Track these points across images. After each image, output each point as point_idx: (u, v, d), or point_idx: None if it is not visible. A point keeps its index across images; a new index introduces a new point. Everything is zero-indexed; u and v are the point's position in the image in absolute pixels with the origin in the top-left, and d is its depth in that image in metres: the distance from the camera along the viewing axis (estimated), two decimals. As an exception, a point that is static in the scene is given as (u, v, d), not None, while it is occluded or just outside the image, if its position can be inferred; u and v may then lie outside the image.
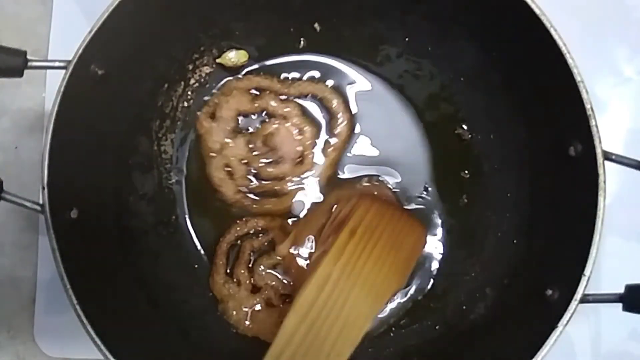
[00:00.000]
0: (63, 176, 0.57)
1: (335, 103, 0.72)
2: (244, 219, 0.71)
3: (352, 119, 0.72)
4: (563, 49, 0.57)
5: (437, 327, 0.69)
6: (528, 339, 0.55)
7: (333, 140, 0.72)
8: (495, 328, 0.65)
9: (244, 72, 0.73)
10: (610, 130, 0.73)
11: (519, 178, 0.68)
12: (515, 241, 0.67)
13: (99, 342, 0.54)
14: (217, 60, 0.72)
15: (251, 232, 0.71)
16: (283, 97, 0.72)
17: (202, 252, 0.71)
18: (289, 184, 0.71)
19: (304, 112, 0.72)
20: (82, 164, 0.61)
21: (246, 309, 0.69)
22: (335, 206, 0.69)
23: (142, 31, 0.62)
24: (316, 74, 0.73)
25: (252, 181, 0.71)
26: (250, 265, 0.70)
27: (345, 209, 0.67)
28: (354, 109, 0.72)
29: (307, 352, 0.59)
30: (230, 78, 0.73)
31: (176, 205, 0.72)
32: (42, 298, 0.73)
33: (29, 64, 0.56)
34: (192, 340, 0.67)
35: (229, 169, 0.71)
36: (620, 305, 0.54)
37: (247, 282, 0.70)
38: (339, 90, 0.72)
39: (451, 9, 0.66)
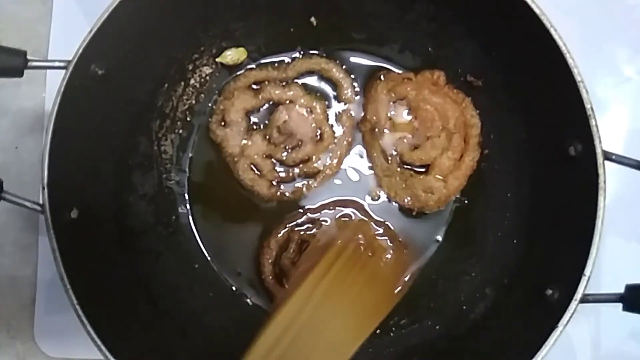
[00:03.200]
0: (63, 176, 0.57)
1: (334, 71, 0.72)
2: (264, 245, 0.70)
3: (353, 81, 0.72)
4: (563, 49, 0.57)
5: (437, 327, 0.69)
6: (528, 339, 0.56)
7: (344, 107, 0.72)
8: (495, 328, 0.65)
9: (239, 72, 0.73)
10: (610, 130, 0.73)
11: (519, 178, 0.68)
12: (515, 241, 0.67)
13: (99, 342, 0.54)
14: (217, 59, 0.72)
15: (278, 250, 0.70)
16: (283, 82, 0.72)
17: (205, 251, 0.71)
18: (316, 162, 0.71)
19: (309, 90, 0.72)
20: (82, 164, 0.61)
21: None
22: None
23: (142, 31, 0.62)
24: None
25: (280, 172, 0.72)
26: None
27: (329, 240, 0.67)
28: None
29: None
30: (228, 80, 0.73)
31: (176, 205, 0.72)
32: (42, 298, 0.73)
33: (29, 64, 0.56)
34: (192, 341, 0.67)
35: (255, 167, 0.71)
36: (620, 305, 0.54)
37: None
38: (334, 59, 0.73)
39: (451, 9, 0.67)
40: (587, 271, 0.54)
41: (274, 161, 0.72)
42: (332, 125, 0.72)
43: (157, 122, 0.71)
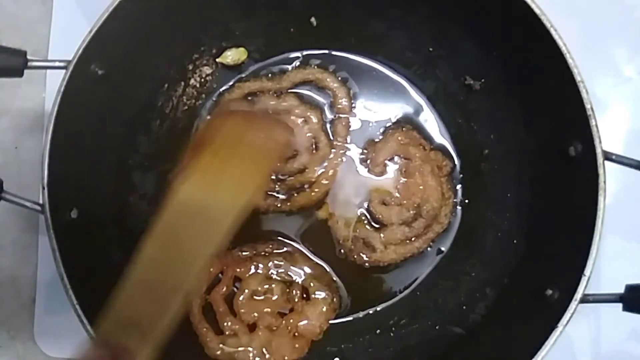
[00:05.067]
0: (63, 176, 0.57)
1: (328, 80, 0.72)
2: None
3: (349, 91, 0.72)
4: (563, 49, 0.57)
5: (437, 327, 0.69)
6: (528, 339, 0.56)
7: (340, 117, 0.72)
8: (495, 328, 0.65)
9: (231, 83, 0.73)
10: (610, 130, 0.73)
11: (519, 178, 0.68)
12: (515, 241, 0.67)
13: (99, 342, 0.54)
14: (217, 60, 0.72)
15: (209, 283, 0.69)
16: (278, 93, 0.72)
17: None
18: (312, 173, 0.71)
19: (303, 100, 0.72)
20: (82, 163, 0.61)
21: (256, 349, 0.66)
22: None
23: (142, 31, 0.62)
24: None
25: (277, 182, 0.71)
26: (231, 310, 0.68)
27: (209, 128, 0.62)
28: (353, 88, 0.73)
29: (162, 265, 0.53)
30: (222, 91, 0.72)
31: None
32: (42, 298, 0.73)
33: (29, 64, 0.56)
34: (192, 340, 0.67)
35: None
36: (620, 305, 0.54)
37: (239, 326, 0.67)
38: (328, 70, 0.73)
39: (451, 9, 0.66)
40: (587, 271, 0.54)
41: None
42: (328, 135, 0.72)
43: (157, 122, 0.71)
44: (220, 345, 0.66)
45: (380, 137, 0.72)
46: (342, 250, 0.70)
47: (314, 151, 0.72)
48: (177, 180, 0.56)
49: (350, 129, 0.72)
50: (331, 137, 0.72)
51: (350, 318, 0.70)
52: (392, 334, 0.70)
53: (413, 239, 0.70)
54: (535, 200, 0.66)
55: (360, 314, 0.70)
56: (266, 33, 0.72)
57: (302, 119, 0.71)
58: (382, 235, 0.70)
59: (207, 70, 0.73)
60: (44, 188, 0.55)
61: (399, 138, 0.71)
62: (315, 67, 0.73)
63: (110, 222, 0.66)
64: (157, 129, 0.71)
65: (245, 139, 0.59)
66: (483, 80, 0.69)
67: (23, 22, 0.77)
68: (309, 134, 0.71)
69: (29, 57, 0.56)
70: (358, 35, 0.72)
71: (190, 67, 0.72)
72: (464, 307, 0.69)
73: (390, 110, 0.73)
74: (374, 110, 0.73)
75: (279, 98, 0.72)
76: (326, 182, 0.71)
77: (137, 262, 0.53)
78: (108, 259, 0.63)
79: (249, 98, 0.72)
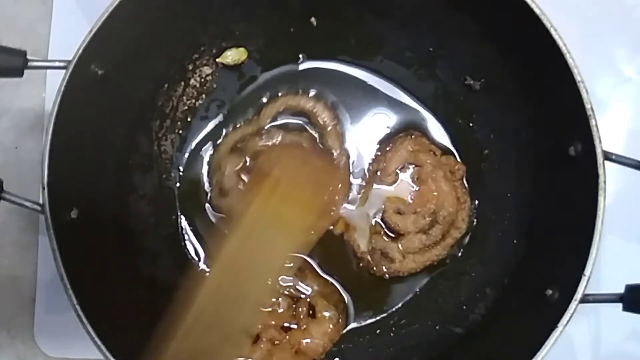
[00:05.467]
0: (63, 176, 0.57)
1: (302, 103, 0.71)
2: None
3: (326, 104, 0.71)
4: (563, 49, 0.57)
5: (437, 327, 0.69)
6: (528, 339, 0.55)
7: (326, 132, 0.71)
8: (495, 328, 0.65)
9: (218, 141, 0.72)
10: (610, 130, 0.73)
11: (519, 178, 0.68)
12: (515, 241, 0.67)
13: (99, 342, 0.54)
14: (217, 60, 0.72)
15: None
16: (261, 134, 0.71)
17: (202, 253, 0.71)
18: None
19: (289, 129, 0.71)
20: (82, 164, 0.61)
21: None
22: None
23: (142, 31, 0.62)
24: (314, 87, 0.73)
25: None
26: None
27: (271, 158, 0.65)
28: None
29: (230, 300, 0.56)
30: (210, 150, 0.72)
31: (176, 205, 0.72)
32: (42, 298, 0.73)
33: (29, 64, 0.56)
34: (192, 340, 0.67)
35: None
36: (620, 305, 0.54)
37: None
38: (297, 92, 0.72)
39: (451, 9, 0.66)
40: (587, 271, 0.54)
41: None
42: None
43: (157, 122, 0.71)
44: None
45: (390, 146, 0.71)
46: (360, 264, 0.70)
47: None
48: (239, 208, 0.59)
49: (342, 136, 0.71)
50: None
51: (355, 325, 0.70)
52: (392, 334, 0.70)
53: (431, 246, 0.70)
54: (535, 200, 0.66)
55: (362, 321, 0.70)
56: (266, 33, 0.72)
57: None
58: (399, 245, 0.69)
59: (207, 70, 0.73)
60: (44, 188, 0.55)
61: (409, 146, 0.71)
62: (284, 94, 0.72)
63: (110, 222, 0.66)
64: (157, 129, 0.71)
65: (303, 167, 0.63)
66: (483, 80, 0.69)
67: (23, 22, 0.77)
68: None
69: (29, 57, 0.56)
70: (358, 35, 0.72)
71: (190, 67, 0.72)
72: (464, 307, 0.69)
73: (389, 119, 0.73)
74: (369, 121, 0.73)
75: (264, 137, 0.71)
76: (339, 196, 0.70)
77: (200, 291, 0.55)
78: (108, 259, 0.63)
79: (238, 147, 0.71)
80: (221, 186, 0.71)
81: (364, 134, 0.72)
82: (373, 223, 0.70)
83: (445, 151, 0.72)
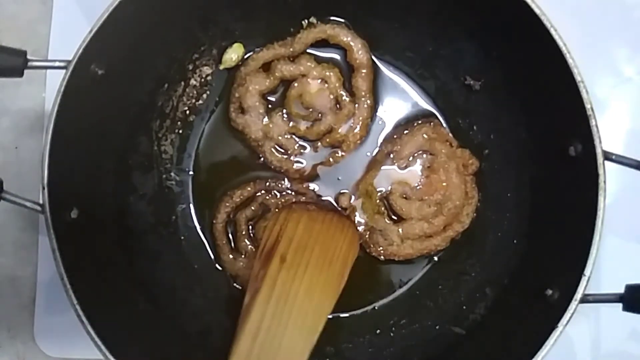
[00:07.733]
0: (63, 176, 0.57)
1: (341, 36, 0.70)
2: (228, 194, 0.71)
3: (364, 43, 0.71)
4: (563, 49, 0.57)
5: (437, 327, 0.69)
6: (528, 339, 0.56)
7: (358, 71, 0.71)
8: (495, 328, 0.65)
9: (246, 56, 0.72)
10: (610, 130, 0.73)
11: (519, 178, 0.68)
12: (515, 241, 0.67)
13: (99, 342, 0.54)
14: (221, 67, 0.72)
15: (239, 203, 0.71)
16: (292, 58, 0.71)
17: (210, 250, 0.72)
18: (341, 131, 0.71)
19: (320, 61, 0.72)
20: (82, 163, 0.61)
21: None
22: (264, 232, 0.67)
23: (142, 31, 0.62)
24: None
25: (305, 148, 0.72)
26: (251, 234, 0.71)
27: (274, 231, 0.65)
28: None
29: None
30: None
31: (176, 205, 0.72)
32: (42, 298, 0.73)
33: (29, 64, 0.56)
34: (192, 341, 0.67)
35: (280, 147, 0.72)
36: (620, 305, 0.54)
37: (252, 250, 0.70)
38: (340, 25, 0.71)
39: (451, 9, 0.66)
40: (587, 271, 0.54)
41: (297, 139, 0.72)
42: (350, 92, 0.71)
43: (157, 122, 0.71)
44: (230, 256, 0.70)
45: (407, 130, 0.71)
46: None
47: (337, 110, 0.71)
48: (249, 295, 0.61)
49: (372, 81, 0.71)
50: (354, 93, 0.71)
51: (347, 315, 0.70)
52: (392, 334, 0.70)
53: (431, 235, 0.70)
54: (535, 200, 0.66)
55: (359, 311, 0.71)
56: (266, 33, 0.72)
57: (321, 79, 0.71)
58: (400, 229, 0.69)
59: (207, 70, 0.73)
60: (44, 188, 0.55)
61: (426, 133, 0.70)
62: (326, 24, 0.71)
63: (110, 222, 0.66)
64: (157, 129, 0.71)
65: (313, 238, 0.64)
66: (483, 80, 0.69)
67: (23, 22, 0.77)
68: (330, 95, 0.71)
69: (29, 57, 0.56)
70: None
71: (190, 67, 0.72)
72: (464, 307, 0.69)
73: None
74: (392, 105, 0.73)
75: (294, 62, 0.71)
76: (355, 139, 0.71)
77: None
78: (108, 259, 0.63)
79: (266, 67, 0.71)
80: (241, 103, 0.71)
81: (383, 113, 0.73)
82: (377, 202, 0.70)
83: (462, 144, 0.71)
